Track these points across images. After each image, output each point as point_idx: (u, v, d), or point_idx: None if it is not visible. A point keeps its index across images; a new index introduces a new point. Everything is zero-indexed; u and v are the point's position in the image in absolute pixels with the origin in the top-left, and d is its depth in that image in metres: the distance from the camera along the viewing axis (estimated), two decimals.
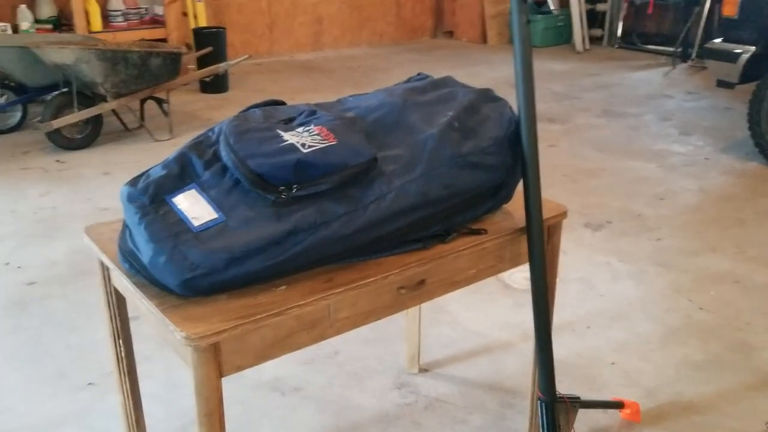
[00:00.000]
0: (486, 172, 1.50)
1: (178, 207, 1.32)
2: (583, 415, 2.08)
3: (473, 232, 1.55)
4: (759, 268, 3.07)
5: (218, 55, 5.59)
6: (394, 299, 1.45)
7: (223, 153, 1.37)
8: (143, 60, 4.34)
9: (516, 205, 1.68)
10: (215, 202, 1.32)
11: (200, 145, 1.43)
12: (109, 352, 1.69)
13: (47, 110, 4.30)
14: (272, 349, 1.31)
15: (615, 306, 2.76)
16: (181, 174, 1.38)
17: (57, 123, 4.24)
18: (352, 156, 1.36)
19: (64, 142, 4.42)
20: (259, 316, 1.25)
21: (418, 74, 1.77)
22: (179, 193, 1.35)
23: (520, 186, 1.61)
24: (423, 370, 2.35)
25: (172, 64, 4.50)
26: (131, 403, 1.74)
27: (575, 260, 3.12)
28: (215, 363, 1.24)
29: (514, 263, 1.67)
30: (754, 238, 3.35)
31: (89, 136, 4.52)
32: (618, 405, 2.11)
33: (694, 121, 5.26)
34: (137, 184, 1.37)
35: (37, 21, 5.43)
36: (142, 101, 4.74)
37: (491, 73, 6.73)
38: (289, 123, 1.46)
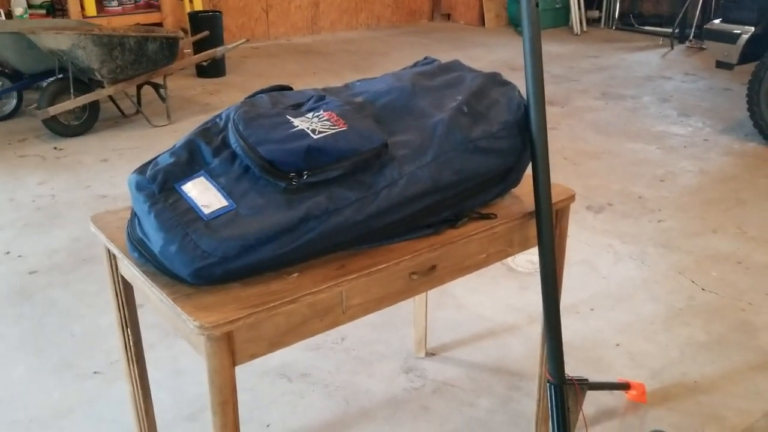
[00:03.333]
0: (496, 157, 1.49)
1: (188, 195, 1.30)
2: (589, 396, 2.09)
3: (483, 217, 1.54)
4: (760, 248, 3.07)
5: (215, 39, 5.56)
6: (406, 285, 1.44)
7: (232, 140, 1.36)
8: (140, 45, 4.30)
9: (524, 189, 1.68)
10: (225, 190, 1.31)
11: (208, 131, 1.41)
12: (117, 341, 1.69)
13: (43, 97, 4.27)
14: (285, 336, 1.30)
15: (618, 288, 2.77)
16: (189, 161, 1.36)
17: (53, 110, 4.22)
18: (362, 142, 1.34)
19: (61, 129, 4.39)
20: (272, 304, 1.24)
21: (425, 58, 1.75)
22: (188, 181, 1.33)
23: (527, 170, 1.61)
24: (430, 354, 2.36)
25: (169, 49, 4.47)
26: (140, 391, 1.73)
27: (577, 243, 3.12)
28: (229, 352, 1.24)
29: (523, 247, 1.67)
30: (754, 219, 3.36)
31: (86, 122, 4.50)
32: (624, 386, 2.12)
33: (692, 103, 5.26)
34: (145, 172, 1.35)
35: (30, 6, 5.39)
36: (139, 87, 4.71)
37: (489, 55, 6.71)
38: (297, 108, 1.44)
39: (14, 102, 4.77)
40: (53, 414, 2.08)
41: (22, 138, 4.44)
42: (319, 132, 1.34)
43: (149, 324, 2.45)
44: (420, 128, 1.45)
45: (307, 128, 1.35)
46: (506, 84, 1.62)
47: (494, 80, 1.61)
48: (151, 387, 1.75)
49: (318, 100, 1.47)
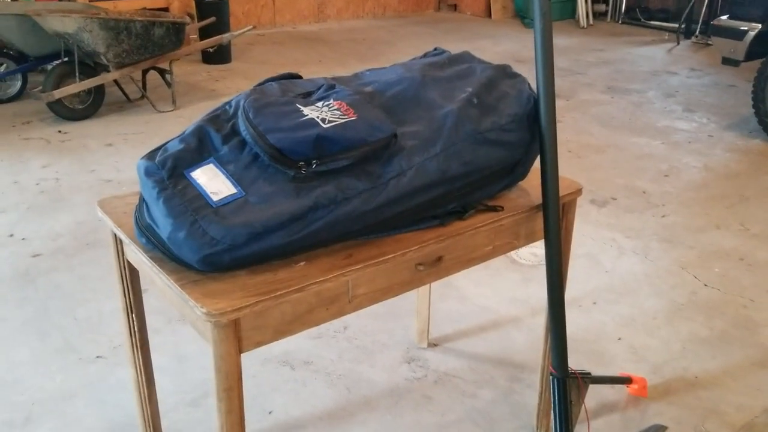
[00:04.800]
0: (504, 149, 1.49)
1: (197, 182, 1.31)
2: (590, 390, 2.09)
3: (490, 209, 1.54)
4: (763, 245, 3.08)
5: (221, 25, 5.54)
6: (412, 276, 1.45)
7: (242, 127, 1.36)
8: (146, 30, 4.29)
9: (531, 182, 1.68)
10: (234, 177, 1.31)
11: (218, 118, 1.41)
12: (122, 326, 1.69)
13: (48, 80, 4.26)
14: (291, 325, 1.30)
15: (621, 282, 2.77)
16: (198, 148, 1.36)
17: (58, 93, 4.21)
18: (372, 131, 1.34)
19: (65, 112, 4.39)
20: (279, 293, 1.24)
21: (435, 49, 1.75)
22: (197, 168, 1.33)
23: (535, 163, 1.61)
24: (432, 344, 2.36)
25: (175, 34, 4.45)
26: (144, 377, 1.74)
27: (581, 236, 3.12)
28: (235, 339, 1.24)
29: (529, 240, 1.67)
30: (757, 215, 3.36)
31: (91, 106, 4.49)
32: (626, 380, 2.13)
33: (698, 98, 5.24)
34: (154, 158, 1.35)
35: None
36: (145, 72, 4.70)
37: (495, 47, 6.69)
38: (307, 97, 1.44)
39: (19, 84, 4.76)
40: (56, 397, 2.09)
41: (26, 121, 4.44)
42: (329, 121, 1.34)
43: (153, 309, 2.46)
44: (429, 119, 1.45)
45: (317, 117, 1.35)
46: (516, 76, 1.61)
47: (504, 72, 1.61)
48: (154, 372, 1.76)
49: (328, 89, 1.47)
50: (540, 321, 2.47)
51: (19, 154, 3.92)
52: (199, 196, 1.28)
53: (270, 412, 2.05)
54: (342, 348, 2.33)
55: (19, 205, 3.32)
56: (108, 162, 3.83)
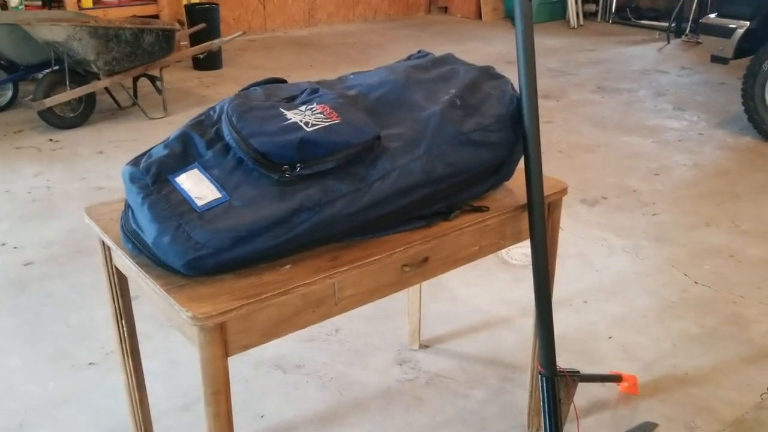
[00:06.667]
0: (488, 150, 1.50)
1: (181, 187, 1.31)
2: (581, 388, 2.10)
3: (476, 210, 1.55)
4: (753, 241, 3.09)
5: (211, 31, 5.55)
6: (398, 277, 1.45)
7: (226, 132, 1.37)
8: (136, 37, 4.30)
9: (516, 182, 1.69)
10: (218, 182, 1.32)
11: (202, 124, 1.42)
12: (112, 333, 1.69)
13: (39, 88, 4.27)
14: (278, 328, 1.31)
15: (611, 281, 2.78)
16: (183, 153, 1.37)
17: (49, 101, 4.21)
18: (355, 134, 1.35)
19: (56, 120, 4.39)
20: (265, 296, 1.25)
21: (419, 51, 1.76)
22: (182, 173, 1.34)
23: (520, 163, 1.62)
24: (424, 346, 2.37)
25: (165, 41, 4.46)
26: (134, 382, 1.74)
27: (571, 236, 3.13)
28: (221, 343, 1.25)
29: (515, 240, 1.68)
30: (747, 213, 3.37)
31: (82, 114, 4.49)
32: (616, 378, 2.14)
33: (688, 97, 5.27)
34: (139, 164, 1.36)
35: None
36: (135, 79, 4.70)
37: (486, 48, 6.71)
38: (291, 101, 1.45)
39: (10, 93, 4.76)
40: (48, 403, 2.09)
41: (17, 129, 4.44)
42: (312, 125, 1.35)
43: (145, 315, 2.46)
44: (413, 121, 1.46)
45: (300, 121, 1.35)
46: (499, 77, 1.63)
47: (487, 74, 1.62)
48: (146, 377, 1.76)
49: (311, 93, 1.48)
50: (531, 321, 2.47)
51: (10, 162, 3.92)
52: (183, 201, 1.29)
53: (262, 416, 2.05)
54: (334, 351, 2.34)
55: (10, 213, 3.32)
56: (99, 170, 3.83)
